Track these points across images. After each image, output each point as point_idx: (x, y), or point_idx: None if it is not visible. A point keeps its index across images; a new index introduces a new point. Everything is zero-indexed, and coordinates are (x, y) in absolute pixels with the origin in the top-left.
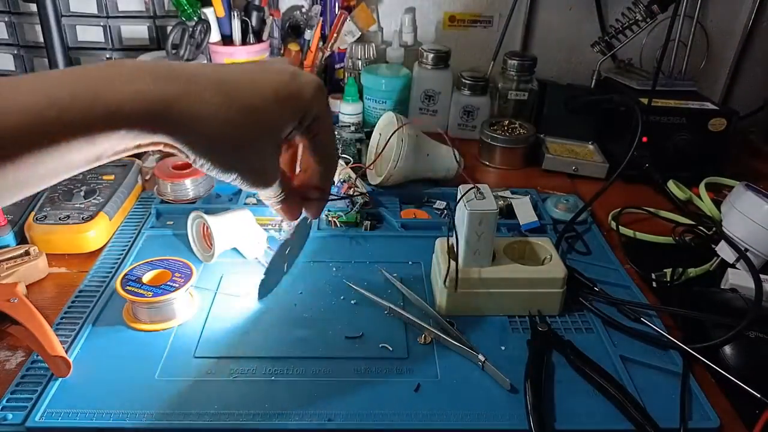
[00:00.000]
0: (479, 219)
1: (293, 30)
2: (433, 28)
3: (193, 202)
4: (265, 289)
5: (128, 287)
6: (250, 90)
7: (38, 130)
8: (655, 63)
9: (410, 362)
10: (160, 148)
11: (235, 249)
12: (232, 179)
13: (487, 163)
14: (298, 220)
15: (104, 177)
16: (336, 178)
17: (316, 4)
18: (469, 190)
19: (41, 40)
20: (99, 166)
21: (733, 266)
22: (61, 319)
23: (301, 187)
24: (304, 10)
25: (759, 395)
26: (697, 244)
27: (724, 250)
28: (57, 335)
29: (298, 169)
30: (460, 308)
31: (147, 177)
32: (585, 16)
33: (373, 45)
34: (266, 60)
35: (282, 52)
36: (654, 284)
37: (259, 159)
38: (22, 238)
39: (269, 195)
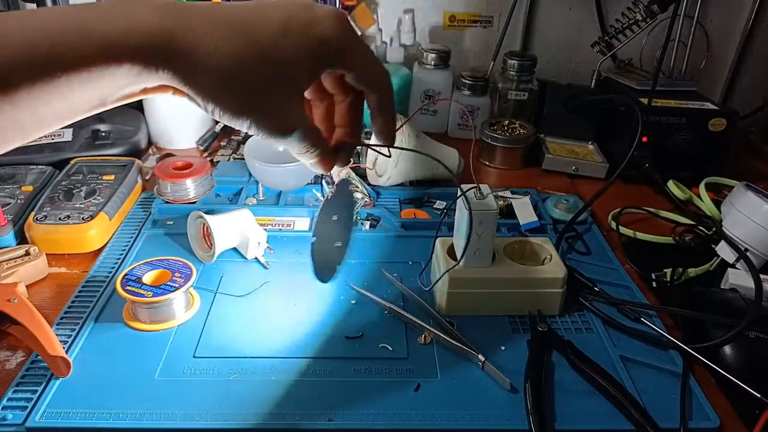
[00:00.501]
0: (479, 219)
1: None
2: (433, 28)
3: (193, 202)
4: (326, 270)
5: (128, 287)
6: (257, 23)
7: (32, 62)
8: (655, 63)
9: (410, 362)
10: (169, 93)
11: (235, 249)
12: (246, 126)
13: (487, 163)
14: (339, 179)
15: (104, 177)
16: (335, 177)
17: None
18: (469, 189)
19: None
20: (99, 165)
21: (733, 266)
22: (61, 319)
23: (338, 144)
24: None
25: (759, 395)
26: (697, 244)
27: (724, 250)
28: (57, 335)
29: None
30: (460, 308)
31: (147, 177)
32: (585, 16)
33: (373, 45)
34: None
35: None
36: (654, 284)
37: (275, 102)
38: (22, 238)
39: (301, 150)
